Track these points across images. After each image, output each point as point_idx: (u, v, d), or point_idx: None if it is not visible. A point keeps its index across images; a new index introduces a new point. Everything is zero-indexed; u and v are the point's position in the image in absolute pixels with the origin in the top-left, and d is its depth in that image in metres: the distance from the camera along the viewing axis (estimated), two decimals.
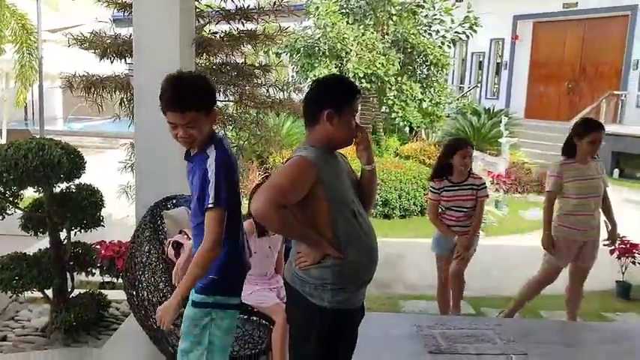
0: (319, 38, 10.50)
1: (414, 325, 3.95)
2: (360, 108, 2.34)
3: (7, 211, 3.53)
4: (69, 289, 3.72)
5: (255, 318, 3.34)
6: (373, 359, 3.22)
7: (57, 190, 3.59)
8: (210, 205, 2.12)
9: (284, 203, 2.05)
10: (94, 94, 5.23)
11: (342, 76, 2.51)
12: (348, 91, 2.19)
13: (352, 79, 9.81)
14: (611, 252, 5.21)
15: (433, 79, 11.24)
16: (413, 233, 7.45)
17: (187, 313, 2.29)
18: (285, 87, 5.91)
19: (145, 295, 3.13)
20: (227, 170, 2.18)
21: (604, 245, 5.24)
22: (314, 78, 10.16)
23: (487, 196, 4.49)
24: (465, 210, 4.24)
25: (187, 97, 2.15)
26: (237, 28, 5.43)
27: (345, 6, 11.58)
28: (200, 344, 2.28)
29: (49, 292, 3.64)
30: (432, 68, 11.10)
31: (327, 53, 10.37)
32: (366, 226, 2.22)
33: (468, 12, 11.24)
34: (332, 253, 2.11)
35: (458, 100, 13.27)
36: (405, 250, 6.58)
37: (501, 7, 14.81)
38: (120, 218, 6.07)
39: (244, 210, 2.46)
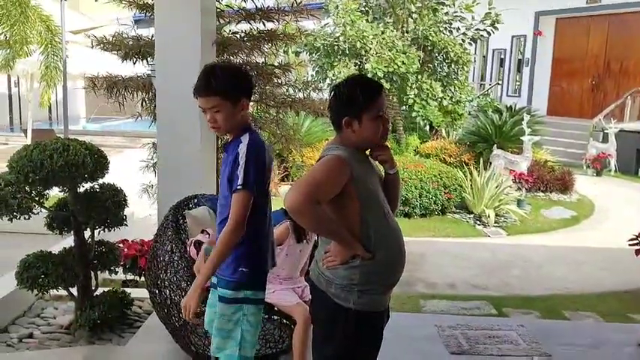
0: (338, 37, 10.48)
1: (435, 326, 3.93)
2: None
3: (33, 211, 3.59)
4: (93, 287, 3.78)
5: (276, 317, 3.36)
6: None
7: (81, 189, 3.65)
8: (238, 187, 2.19)
9: (318, 199, 2.04)
10: (116, 94, 5.29)
11: (358, 77, 2.39)
12: (363, 95, 2.13)
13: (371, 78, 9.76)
14: (637, 252, 5.11)
15: (454, 76, 11.14)
16: (433, 232, 7.41)
17: (219, 310, 2.32)
18: (304, 87, 5.91)
19: (168, 293, 3.17)
20: (257, 157, 2.25)
21: (629, 245, 5.15)
22: (333, 77, 10.16)
23: None
24: None
25: (210, 82, 2.27)
26: (257, 28, 5.44)
27: (364, 4, 11.53)
28: (233, 339, 2.32)
29: (74, 290, 3.70)
30: (453, 66, 11.00)
31: (346, 52, 10.34)
32: (395, 226, 2.20)
33: (490, 9, 11.12)
34: (362, 254, 2.09)
35: (479, 97, 13.13)
36: (426, 250, 6.54)
37: (523, 4, 14.62)
38: (142, 217, 6.14)
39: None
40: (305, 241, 3.17)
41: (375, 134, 2.16)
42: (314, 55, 10.82)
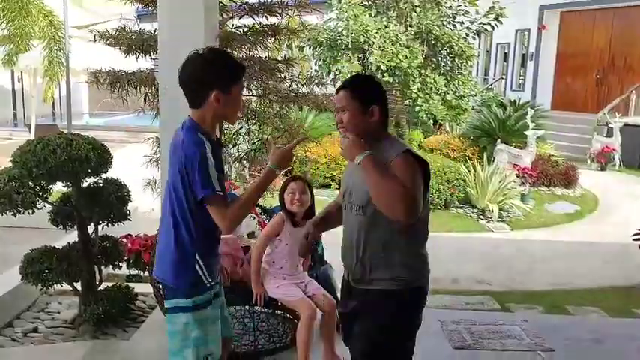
0: (342, 31, 10.45)
1: (438, 320, 3.93)
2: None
3: (37, 206, 3.60)
4: (97, 282, 3.78)
5: (279, 312, 3.36)
6: None
7: (85, 184, 3.65)
8: None
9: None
10: (119, 89, 5.28)
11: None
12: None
13: (374, 72, 9.75)
14: None
15: (457, 71, 11.09)
16: (437, 228, 7.40)
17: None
18: (307, 82, 5.90)
19: None
20: None
21: (633, 240, 5.14)
22: (336, 72, 10.14)
23: None
24: None
25: None
26: (260, 23, 5.43)
27: None
28: None
29: (78, 285, 3.71)
30: (457, 60, 10.94)
31: (349, 46, 10.31)
32: (349, 221, 2.31)
33: (494, 2, 11.06)
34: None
35: (482, 92, 13.08)
36: (429, 245, 6.53)
37: None
38: (145, 212, 6.14)
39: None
40: (300, 225, 3.10)
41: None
42: (317, 49, 10.79)
